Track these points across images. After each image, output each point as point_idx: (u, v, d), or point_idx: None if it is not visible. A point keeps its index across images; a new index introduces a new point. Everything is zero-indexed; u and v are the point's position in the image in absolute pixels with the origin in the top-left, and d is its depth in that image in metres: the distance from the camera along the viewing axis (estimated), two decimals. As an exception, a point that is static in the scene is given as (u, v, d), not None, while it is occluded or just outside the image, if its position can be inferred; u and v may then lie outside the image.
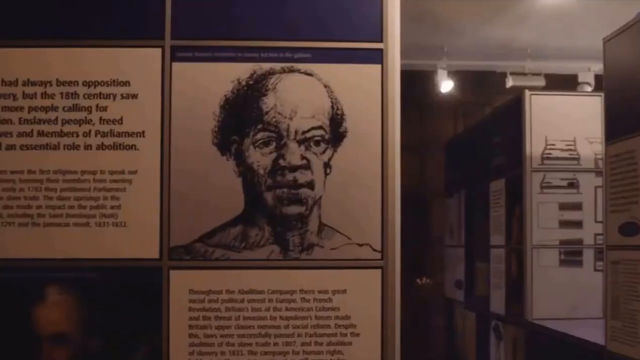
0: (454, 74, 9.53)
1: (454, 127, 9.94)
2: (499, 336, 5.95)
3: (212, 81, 2.64)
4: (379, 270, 2.58)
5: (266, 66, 2.63)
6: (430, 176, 9.78)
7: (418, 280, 9.62)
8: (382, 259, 2.58)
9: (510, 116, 5.71)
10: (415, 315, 9.57)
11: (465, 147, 7.34)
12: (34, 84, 2.62)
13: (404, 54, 8.97)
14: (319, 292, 2.58)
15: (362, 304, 2.58)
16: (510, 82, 8.84)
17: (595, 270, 5.27)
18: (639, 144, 3.61)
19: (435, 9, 7.82)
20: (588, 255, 5.40)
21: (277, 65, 2.63)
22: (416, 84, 9.72)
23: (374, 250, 2.59)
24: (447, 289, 7.96)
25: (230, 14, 2.65)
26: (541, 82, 8.67)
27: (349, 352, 2.58)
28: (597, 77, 7.79)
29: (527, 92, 5.48)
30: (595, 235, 5.32)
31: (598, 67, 4.16)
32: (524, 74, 8.93)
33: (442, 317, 8.36)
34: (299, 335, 2.57)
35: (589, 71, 9.17)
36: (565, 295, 5.35)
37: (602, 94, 4.09)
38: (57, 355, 2.58)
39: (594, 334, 4.24)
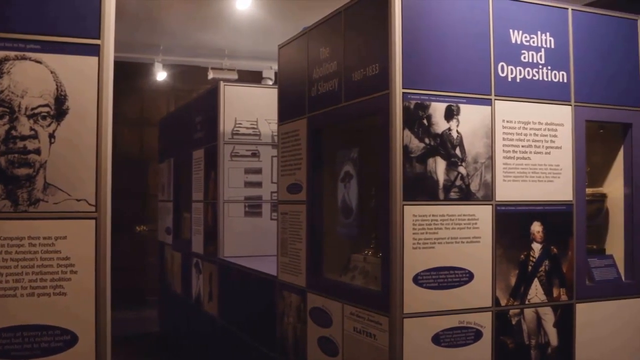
0: (168, 66, 9.46)
1: (167, 108, 9.83)
2: (198, 270, 5.94)
3: (-47, 64, 2.39)
4: (94, 221, 2.47)
5: (2, 54, 2.42)
6: (148, 146, 9.62)
7: (138, 228, 9.42)
8: (95, 212, 2.47)
9: (209, 101, 5.69)
10: (135, 255, 9.40)
11: (175, 124, 7.24)
12: None
13: (127, 49, 8.73)
14: (44, 238, 2.43)
15: (80, 247, 2.46)
16: (211, 75, 8.87)
17: (271, 219, 5.40)
18: (302, 125, 3.71)
19: (154, 15, 7.66)
20: (266, 208, 5.52)
21: (11, 54, 2.43)
22: (137, 73, 9.53)
23: (90, 204, 2.47)
24: (160, 234, 7.84)
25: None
26: (234, 75, 8.78)
27: (69, 286, 2.45)
28: (277, 74, 8.03)
29: (222, 83, 5.48)
30: (272, 192, 5.44)
31: (277, 66, 4.22)
32: (222, 69, 8.99)
33: (156, 256, 8.24)
34: (26, 274, 2.41)
35: (270, 69, 9.40)
36: (249, 239, 5.44)
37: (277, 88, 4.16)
38: None
39: (270, 267, 4.33)
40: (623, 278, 3.40)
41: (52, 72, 2.47)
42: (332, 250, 3.62)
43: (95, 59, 2.52)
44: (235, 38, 8.62)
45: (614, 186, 3.50)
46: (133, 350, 7.00)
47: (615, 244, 3.48)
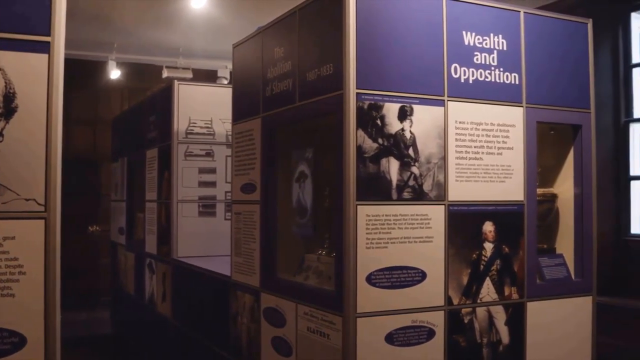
0: (122, 64, 9.34)
1: (121, 107, 9.73)
2: (152, 271, 5.88)
3: None
4: (43, 221, 2.42)
5: (-52, 51, 2.36)
6: (101, 145, 9.50)
7: (90, 228, 9.30)
8: (45, 211, 2.42)
9: (163, 100, 5.64)
10: (88, 256, 9.27)
11: (128, 123, 7.16)
12: None
13: (80, 47, 8.61)
14: (-9, 239, 2.37)
15: (29, 248, 2.40)
16: (165, 74, 8.80)
17: (226, 219, 5.37)
18: (256, 124, 3.69)
19: (107, 12, 7.56)
20: (220, 208, 5.49)
21: (-42, 50, 2.36)
22: (91, 71, 9.39)
23: (39, 204, 2.42)
24: (113, 235, 7.75)
25: None
26: (189, 74, 8.73)
27: (17, 288, 2.40)
28: (232, 73, 8.00)
29: (176, 82, 5.44)
30: (226, 192, 5.42)
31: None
32: (176, 68, 8.93)
33: (109, 257, 8.14)
34: (-29, 276, 2.35)
35: (226, 68, 9.37)
36: (203, 239, 5.41)
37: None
38: None
39: (224, 267, 4.30)
40: (573, 277, 3.47)
41: (0, 70, 2.41)
42: (286, 250, 3.62)
43: (45, 56, 2.47)
44: (190, 37, 8.55)
45: (565, 187, 3.56)
46: (84, 352, 6.91)
47: (565, 243, 3.55)
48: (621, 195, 6.33)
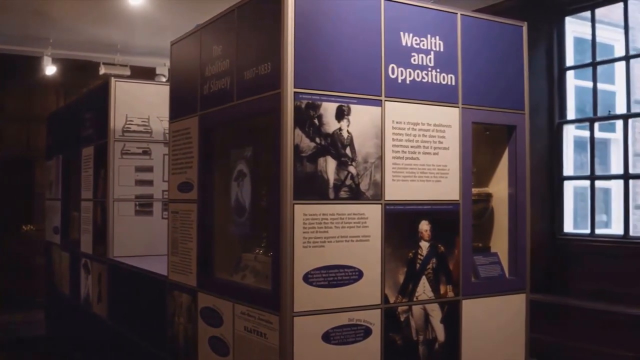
0: (57, 60, 9.18)
1: (57, 104, 9.55)
2: (87, 271, 5.78)
3: None
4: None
5: None
6: (36, 142, 9.32)
7: (24, 227, 9.10)
8: (-28, 211, 2.35)
9: (99, 97, 5.55)
10: (22, 255, 9.08)
11: (63, 120, 7.02)
12: None
13: (13, 41, 8.41)
14: None
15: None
16: (102, 70, 8.70)
17: (163, 218, 5.31)
18: (193, 123, 3.66)
19: (43, 6, 7.42)
20: (157, 207, 5.44)
21: None
22: (25, 67, 9.18)
23: (-35, 203, 2.35)
24: (47, 234, 7.59)
25: None
26: (127, 71, 8.64)
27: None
28: (170, 71, 7.92)
29: (113, 79, 5.36)
30: (163, 191, 5.36)
31: (170, 63, 4.15)
32: (114, 65, 8.82)
33: (44, 257, 7.98)
34: None
35: (164, 66, 9.29)
36: (140, 238, 5.35)
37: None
38: None
39: (161, 267, 4.25)
40: (507, 275, 3.53)
41: None
42: (223, 249, 3.59)
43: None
44: (128, 33, 8.45)
45: (499, 186, 3.62)
46: (18, 354, 6.77)
47: (500, 242, 3.60)
48: (555, 195, 6.48)
